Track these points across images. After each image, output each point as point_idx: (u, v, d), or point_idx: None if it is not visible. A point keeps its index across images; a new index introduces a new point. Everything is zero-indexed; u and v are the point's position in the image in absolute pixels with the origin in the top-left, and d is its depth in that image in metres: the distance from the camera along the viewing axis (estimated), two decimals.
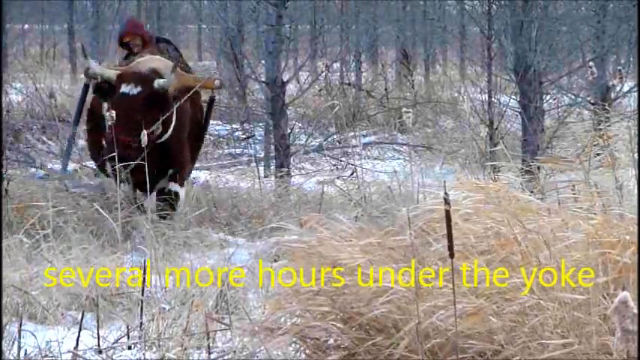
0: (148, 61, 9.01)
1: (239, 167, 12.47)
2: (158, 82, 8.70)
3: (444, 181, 4.73)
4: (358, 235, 5.20)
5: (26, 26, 28.93)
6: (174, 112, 8.85)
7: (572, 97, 12.48)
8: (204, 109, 9.69)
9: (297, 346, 5.17)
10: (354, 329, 4.98)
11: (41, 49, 28.02)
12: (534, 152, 10.31)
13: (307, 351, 5.12)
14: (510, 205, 5.11)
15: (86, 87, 9.79)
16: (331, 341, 5.06)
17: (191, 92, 8.87)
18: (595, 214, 5.15)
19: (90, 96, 9.63)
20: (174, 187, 9.12)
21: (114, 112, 8.26)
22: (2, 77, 13.28)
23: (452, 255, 4.60)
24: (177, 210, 9.02)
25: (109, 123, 8.36)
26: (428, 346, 4.75)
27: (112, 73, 8.88)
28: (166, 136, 8.86)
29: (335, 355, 5.00)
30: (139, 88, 8.69)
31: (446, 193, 4.58)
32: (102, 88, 8.87)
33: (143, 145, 8.26)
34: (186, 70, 9.51)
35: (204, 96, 9.86)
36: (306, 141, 13.30)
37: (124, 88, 8.70)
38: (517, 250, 4.91)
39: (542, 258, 4.84)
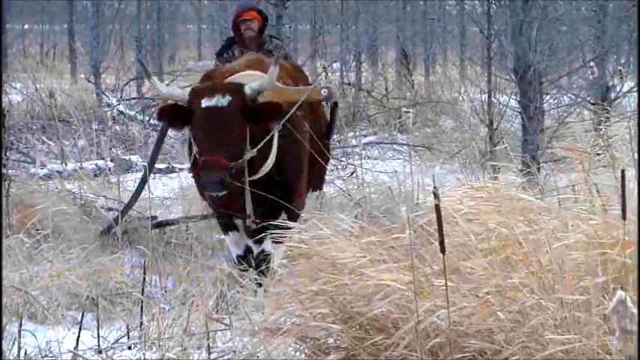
0: (242, 77, 7.22)
1: None
2: (250, 87, 6.97)
3: (433, 175, 4.74)
4: (359, 234, 5.21)
5: (26, 26, 28.96)
6: (274, 137, 7.09)
7: (572, 97, 12.48)
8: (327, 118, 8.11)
9: (297, 346, 5.17)
10: (353, 329, 4.98)
11: (41, 49, 28.07)
12: (534, 152, 10.32)
13: (307, 351, 5.12)
14: (510, 206, 5.11)
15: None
16: (331, 341, 5.06)
17: (295, 107, 7.11)
18: (595, 214, 5.15)
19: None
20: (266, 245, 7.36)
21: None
22: (2, 77, 13.27)
23: (443, 250, 4.61)
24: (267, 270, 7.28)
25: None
26: (428, 345, 4.75)
27: (181, 92, 7.12)
28: (265, 169, 7.14)
29: (335, 355, 5.00)
30: (227, 98, 6.89)
31: (435, 187, 4.60)
32: (171, 114, 7.03)
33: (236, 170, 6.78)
34: (299, 79, 7.90)
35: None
36: None
37: (206, 102, 6.90)
38: (518, 250, 4.91)
39: (543, 258, 4.84)
